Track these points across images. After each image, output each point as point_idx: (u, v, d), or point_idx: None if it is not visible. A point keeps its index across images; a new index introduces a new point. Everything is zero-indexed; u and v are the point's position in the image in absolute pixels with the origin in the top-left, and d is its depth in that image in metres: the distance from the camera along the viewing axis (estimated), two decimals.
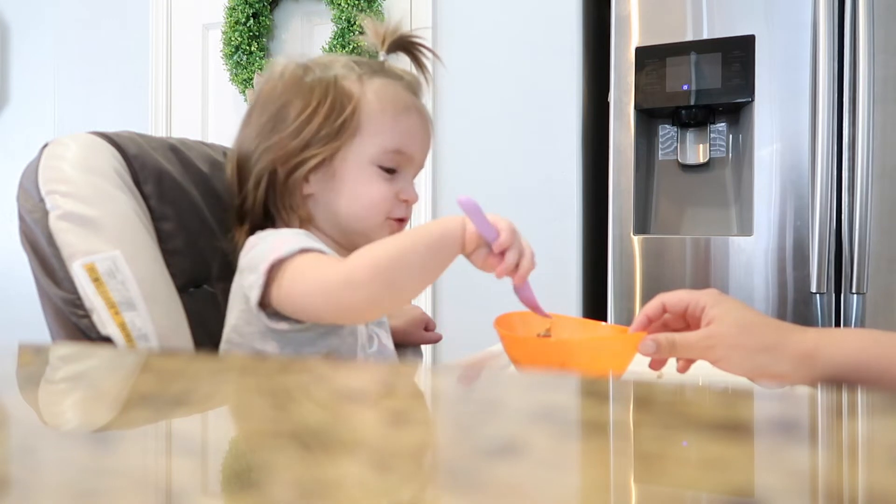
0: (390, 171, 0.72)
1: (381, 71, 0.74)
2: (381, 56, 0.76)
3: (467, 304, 1.78)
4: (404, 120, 0.72)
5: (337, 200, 0.72)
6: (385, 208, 0.72)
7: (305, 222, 0.73)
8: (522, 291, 0.68)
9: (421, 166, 0.77)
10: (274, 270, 0.63)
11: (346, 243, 0.74)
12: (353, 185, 0.71)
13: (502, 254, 0.63)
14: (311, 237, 0.68)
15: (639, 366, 0.69)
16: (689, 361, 0.66)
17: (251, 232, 0.73)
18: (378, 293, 0.60)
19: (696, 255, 1.46)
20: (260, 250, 0.66)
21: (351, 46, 1.89)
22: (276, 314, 0.65)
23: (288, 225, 0.73)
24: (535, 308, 0.69)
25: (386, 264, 0.60)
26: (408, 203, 0.74)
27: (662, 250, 1.49)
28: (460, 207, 0.63)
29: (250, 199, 0.72)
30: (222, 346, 0.70)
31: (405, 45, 0.77)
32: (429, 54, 0.78)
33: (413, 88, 0.75)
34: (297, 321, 0.66)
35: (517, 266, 0.63)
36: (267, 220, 0.74)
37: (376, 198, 0.71)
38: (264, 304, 0.64)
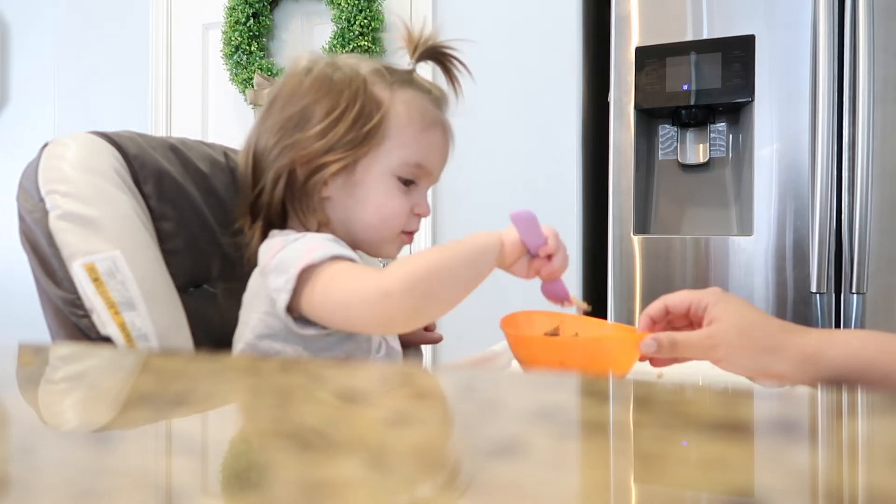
0: (408, 184, 0.72)
1: (411, 82, 0.73)
2: (409, 64, 0.74)
3: (468, 304, 1.77)
4: (429, 135, 0.72)
5: (353, 207, 0.71)
6: (400, 222, 0.72)
7: (322, 225, 0.72)
8: (554, 287, 0.69)
9: (436, 180, 0.76)
10: (304, 276, 0.62)
11: (365, 249, 0.75)
12: (371, 195, 0.70)
13: (548, 257, 0.67)
14: (340, 243, 0.67)
15: (639, 365, 0.69)
16: (675, 360, 0.66)
17: (265, 229, 0.73)
18: (415, 305, 0.60)
19: (696, 255, 1.46)
20: (287, 255, 0.65)
21: (351, 46, 1.89)
22: (301, 318, 0.65)
23: (305, 225, 0.72)
24: (564, 298, 0.70)
25: (423, 276, 0.61)
26: (420, 217, 0.74)
27: (662, 250, 1.49)
28: (513, 220, 0.66)
29: (267, 197, 0.71)
30: (239, 347, 0.70)
31: (437, 54, 0.75)
32: (461, 67, 0.76)
33: (440, 103, 0.75)
34: (323, 326, 0.65)
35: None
36: (284, 218, 0.73)
37: (393, 211, 0.71)
38: (290, 308, 0.64)
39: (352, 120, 0.68)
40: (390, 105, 0.69)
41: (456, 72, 0.76)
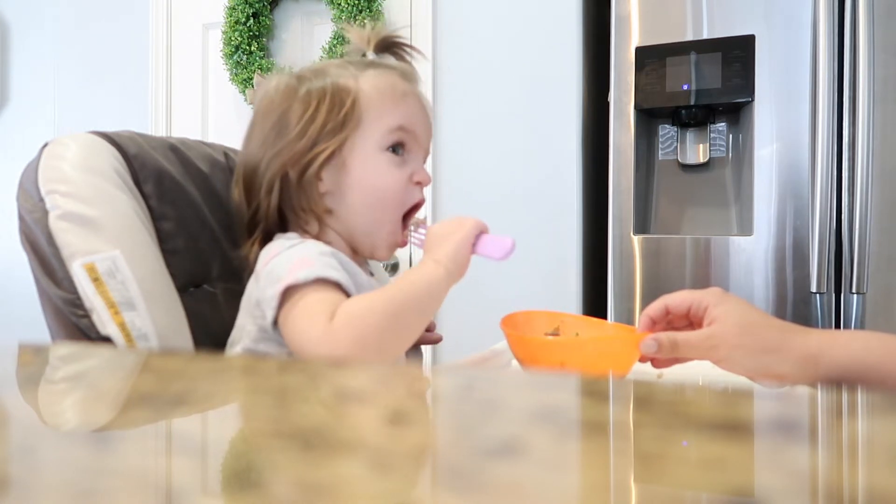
0: (397, 151, 0.72)
1: (373, 64, 0.75)
2: (370, 55, 0.77)
3: (467, 304, 1.78)
4: (404, 102, 0.73)
5: (351, 193, 0.72)
6: (399, 196, 0.72)
7: (323, 223, 0.73)
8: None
9: (426, 150, 0.77)
10: (286, 294, 0.63)
11: (362, 246, 0.74)
12: (365, 175, 0.71)
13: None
14: (335, 258, 0.68)
15: (639, 366, 0.69)
16: (675, 360, 0.66)
17: (265, 239, 0.73)
18: (370, 352, 0.60)
19: (696, 255, 1.46)
20: (279, 265, 0.65)
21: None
22: None
23: (306, 227, 0.72)
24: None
25: (374, 335, 0.60)
26: (421, 185, 0.75)
27: (662, 250, 1.49)
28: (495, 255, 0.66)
29: (263, 207, 0.72)
30: (237, 351, 0.70)
31: (389, 45, 0.78)
32: (414, 53, 0.79)
33: (407, 77, 0.76)
34: None
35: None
36: (282, 226, 0.73)
37: (389, 183, 0.72)
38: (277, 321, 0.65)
39: (326, 111, 0.70)
40: (358, 88, 0.72)
41: (410, 58, 0.79)
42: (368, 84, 0.72)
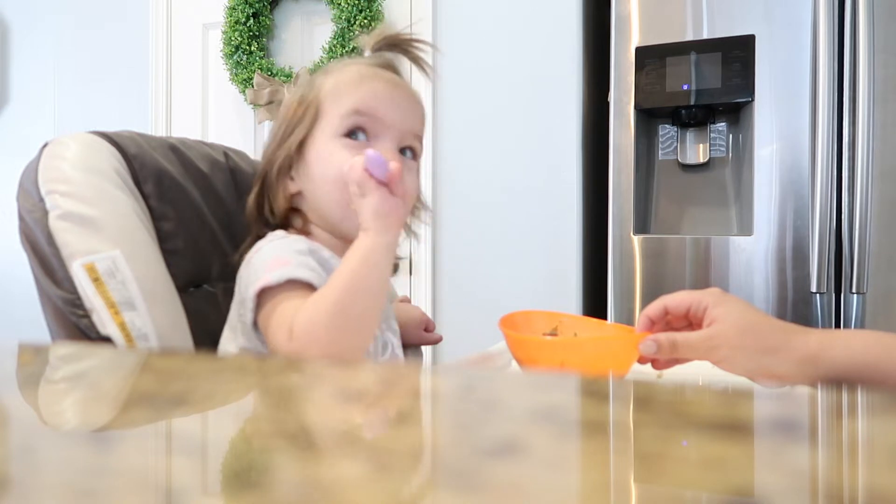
0: (357, 136, 0.69)
1: (351, 59, 0.75)
2: (366, 54, 0.76)
3: (467, 304, 1.78)
4: (364, 86, 0.69)
5: (314, 187, 0.70)
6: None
7: (306, 220, 0.73)
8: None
9: (406, 134, 0.71)
10: (263, 295, 0.63)
11: (349, 237, 0.71)
12: (321, 164, 0.69)
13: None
14: (314, 255, 0.67)
15: (639, 366, 0.69)
16: (675, 361, 0.66)
17: (254, 240, 0.73)
18: (331, 350, 0.59)
19: (696, 255, 1.46)
20: (259, 262, 0.66)
21: (351, 46, 1.89)
22: None
23: (291, 224, 0.73)
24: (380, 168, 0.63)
25: (328, 325, 0.59)
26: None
27: (662, 250, 1.49)
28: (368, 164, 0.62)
29: (248, 212, 0.74)
30: (229, 349, 0.70)
31: (396, 43, 0.75)
32: (425, 48, 0.76)
33: (383, 64, 0.73)
34: None
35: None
36: (267, 227, 0.74)
37: (344, 167, 0.66)
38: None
39: (293, 111, 0.72)
40: (323, 82, 0.72)
41: (423, 54, 0.77)
42: (332, 78, 0.71)
